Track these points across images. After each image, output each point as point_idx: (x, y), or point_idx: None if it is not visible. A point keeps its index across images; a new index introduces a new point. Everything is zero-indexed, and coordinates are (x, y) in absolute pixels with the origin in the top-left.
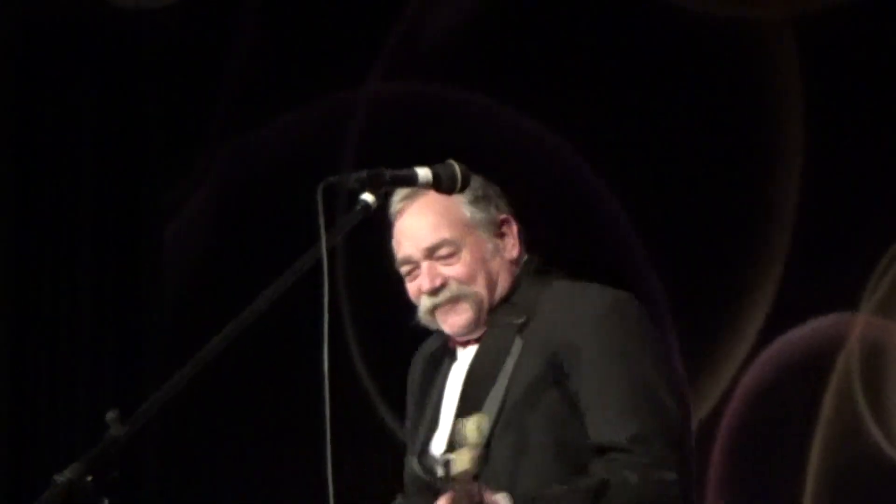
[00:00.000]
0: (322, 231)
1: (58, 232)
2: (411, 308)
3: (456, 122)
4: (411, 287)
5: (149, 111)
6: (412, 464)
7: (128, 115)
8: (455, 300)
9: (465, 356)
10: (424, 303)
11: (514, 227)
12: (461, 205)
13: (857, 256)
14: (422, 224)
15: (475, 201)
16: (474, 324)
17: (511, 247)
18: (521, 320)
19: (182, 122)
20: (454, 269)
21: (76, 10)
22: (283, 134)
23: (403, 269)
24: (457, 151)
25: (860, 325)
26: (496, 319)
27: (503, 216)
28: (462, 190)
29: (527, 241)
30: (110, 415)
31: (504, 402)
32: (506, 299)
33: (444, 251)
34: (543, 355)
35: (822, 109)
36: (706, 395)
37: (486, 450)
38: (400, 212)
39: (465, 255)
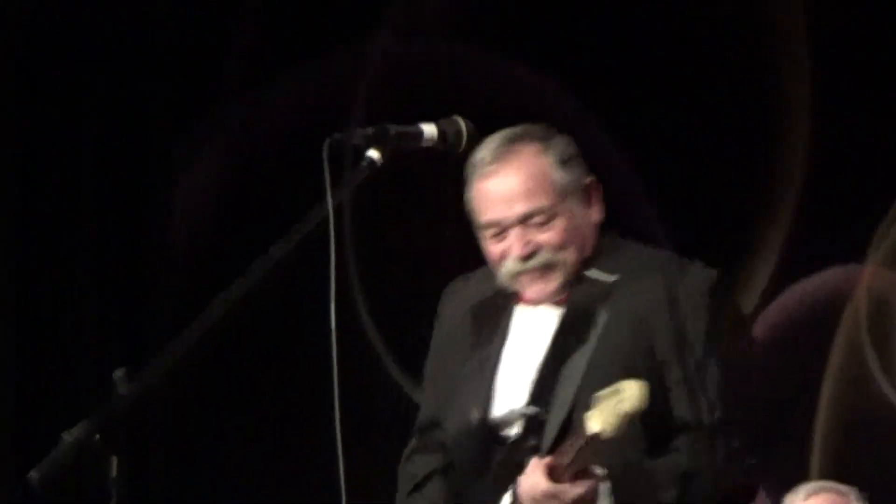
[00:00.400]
0: (328, 187)
1: (64, 192)
2: (417, 265)
3: (463, 80)
4: (493, 249)
5: (158, 66)
6: (469, 413)
7: (137, 71)
8: (546, 267)
9: (538, 316)
10: (510, 267)
11: (599, 190)
12: (552, 167)
13: (864, 209)
14: (515, 189)
15: (564, 163)
16: (562, 290)
17: (596, 211)
18: (610, 280)
19: (191, 78)
20: (548, 236)
21: None
22: (291, 91)
23: (488, 232)
24: (463, 108)
25: (867, 276)
26: (583, 278)
27: (589, 179)
28: (468, 147)
29: None
30: (117, 373)
31: (595, 360)
32: (591, 262)
33: (538, 218)
34: (636, 322)
35: (829, 64)
36: None
37: (572, 411)
38: (490, 173)
39: (559, 222)
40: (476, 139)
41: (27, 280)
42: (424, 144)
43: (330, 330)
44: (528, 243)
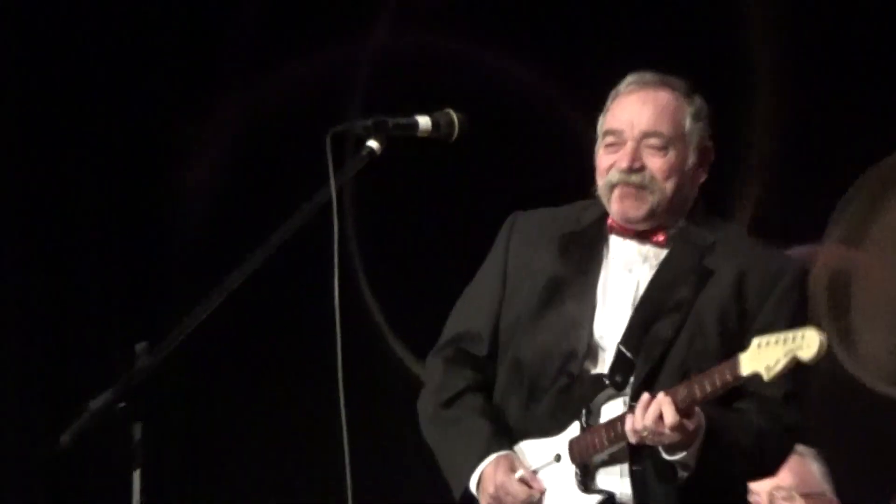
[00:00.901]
0: (331, 174)
1: (93, 183)
2: (417, 247)
3: (459, 74)
4: (604, 159)
5: (168, 59)
6: (557, 340)
7: (150, 63)
8: (643, 188)
9: (632, 251)
10: (612, 177)
11: (710, 158)
12: (686, 113)
13: (823, 192)
14: (648, 109)
15: (696, 116)
16: (647, 217)
17: (702, 172)
18: (707, 243)
19: (194, 75)
20: (657, 162)
21: None
22: (292, 82)
23: (606, 140)
24: (457, 102)
25: (826, 254)
26: (686, 233)
27: (708, 144)
28: (459, 136)
29: (515, 188)
30: (139, 346)
31: (695, 310)
32: (690, 218)
33: (655, 141)
34: (732, 285)
35: (792, 65)
36: None
37: (663, 359)
38: (631, 91)
39: (671, 156)
40: (466, 129)
41: (60, 263)
42: (420, 135)
43: (334, 307)
44: (637, 159)
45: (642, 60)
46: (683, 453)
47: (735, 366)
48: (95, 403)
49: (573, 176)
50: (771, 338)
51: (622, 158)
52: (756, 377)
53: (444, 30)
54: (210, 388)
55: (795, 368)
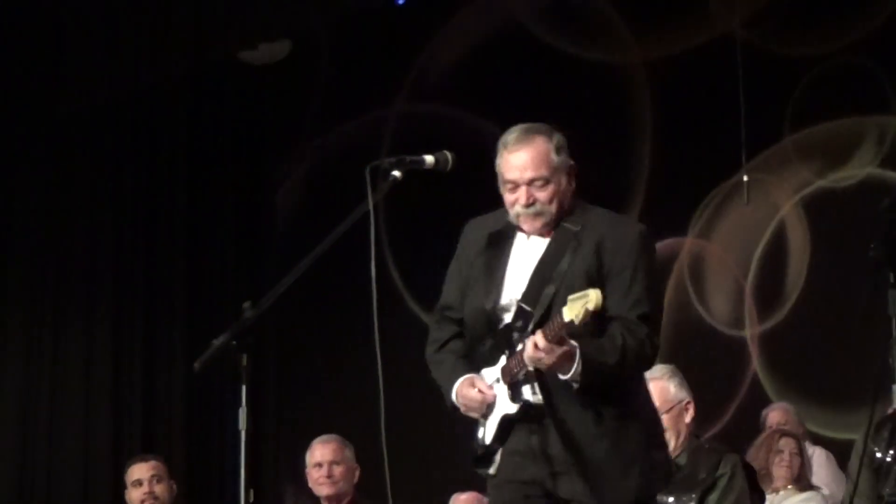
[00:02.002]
0: (369, 193)
1: (215, 194)
2: (425, 239)
3: (452, 128)
4: (509, 197)
5: (265, 125)
6: (483, 303)
7: (255, 128)
8: (538, 214)
9: (531, 243)
10: (517, 210)
11: (574, 171)
12: (552, 152)
13: (685, 203)
14: (529, 159)
15: (559, 150)
16: (542, 228)
17: (572, 184)
18: (577, 228)
19: (286, 130)
20: (542, 195)
21: (230, 66)
22: (345, 135)
23: (507, 185)
24: (451, 145)
25: (688, 244)
26: (562, 226)
27: (572, 163)
28: (452, 170)
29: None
30: (246, 304)
31: (567, 275)
32: (568, 214)
33: (538, 182)
34: (592, 252)
35: (663, 115)
36: None
37: (551, 307)
38: (515, 147)
39: (551, 187)
40: (455, 164)
41: (199, 251)
42: (426, 167)
43: (371, 278)
44: (530, 196)
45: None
46: (570, 374)
47: (561, 314)
48: (217, 341)
49: None
50: (577, 294)
51: (520, 198)
52: (582, 321)
53: (445, 100)
54: (291, 332)
55: (649, 297)
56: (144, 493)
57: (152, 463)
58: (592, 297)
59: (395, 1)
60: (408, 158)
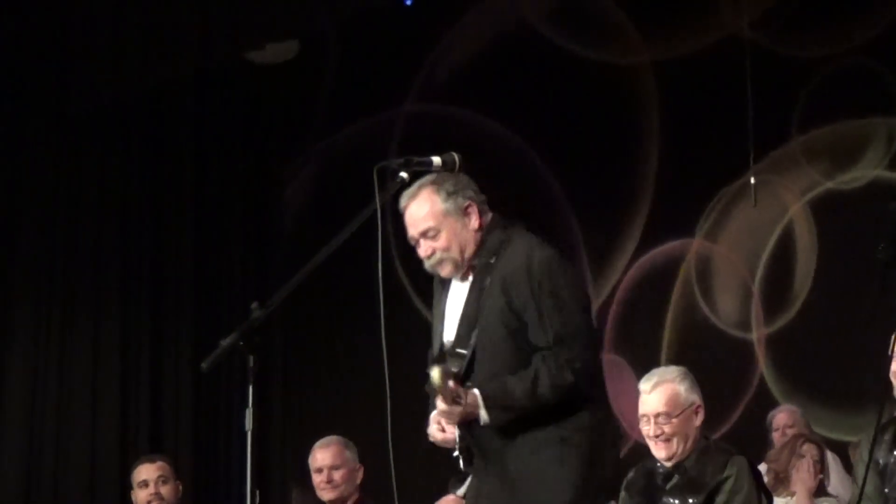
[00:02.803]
0: (377, 194)
1: (223, 194)
2: None
3: (460, 129)
4: (419, 251)
5: (273, 125)
6: (433, 348)
7: (263, 127)
8: (440, 261)
9: (456, 288)
10: (425, 263)
11: (475, 208)
12: (439, 202)
13: (693, 205)
14: (416, 217)
15: (447, 198)
16: (455, 272)
17: (473, 220)
18: (492, 260)
19: (294, 130)
20: (437, 243)
21: (237, 65)
22: (353, 136)
23: (412, 242)
24: (459, 147)
25: (695, 246)
26: (478, 262)
27: (466, 203)
28: (459, 170)
29: (495, 205)
30: (254, 304)
31: (485, 316)
32: (481, 247)
33: (430, 233)
34: (500, 291)
35: (671, 116)
36: (606, 285)
37: (475, 348)
38: (404, 208)
39: (444, 234)
40: (463, 165)
41: (200, 248)
42: (434, 169)
43: (378, 278)
44: (427, 248)
45: (585, 127)
46: (482, 420)
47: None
48: (225, 342)
49: (534, 197)
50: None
51: (421, 251)
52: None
53: (453, 101)
54: (296, 333)
55: (563, 318)
56: (151, 494)
57: (159, 464)
58: (434, 374)
59: (403, 1)
60: (415, 159)
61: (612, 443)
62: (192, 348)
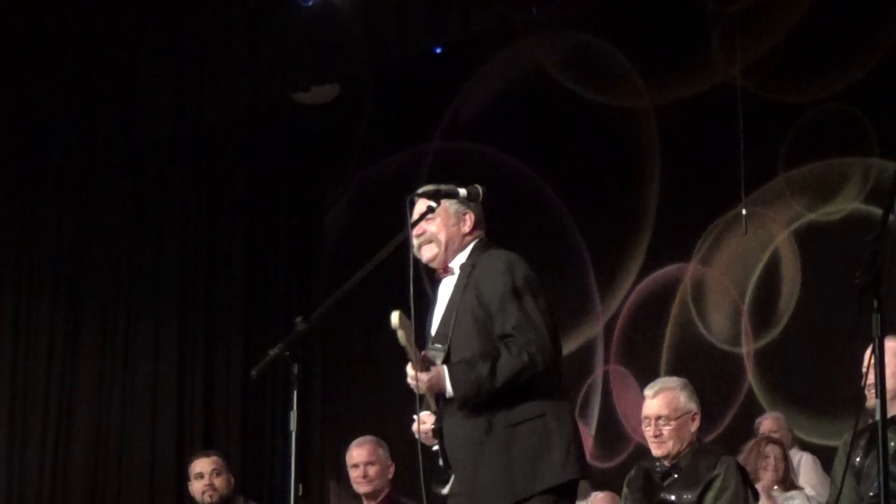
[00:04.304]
0: (408, 222)
1: (271, 220)
2: None
3: (482, 163)
4: (414, 233)
5: (316, 158)
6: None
7: (307, 160)
8: (427, 241)
9: (443, 285)
10: (415, 242)
11: (470, 217)
12: (449, 203)
13: (689, 233)
14: (418, 207)
15: (455, 203)
16: (434, 259)
17: (465, 226)
18: (468, 272)
19: (334, 163)
20: (430, 226)
21: (285, 105)
22: (386, 168)
23: (412, 228)
24: (481, 179)
25: (691, 270)
26: (460, 269)
27: (464, 211)
28: (483, 201)
29: (489, 230)
30: (298, 319)
31: (460, 312)
32: (462, 252)
33: (429, 215)
34: (473, 290)
35: (670, 154)
36: (612, 304)
37: (451, 340)
38: (415, 202)
39: (438, 221)
40: (486, 195)
41: (250, 268)
42: (460, 199)
43: (409, 296)
44: (420, 228)
45: (594, 162)
46: (448, 392)
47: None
48: (272, 351)
49: (548, 224)
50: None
51: (415, 232)
52: (406, 341)
53: (477, 138)
54: (335, 344)
55: (520, 310)
56: (205, 485)
57: (213, 458)
58: (392, 317)
59: (433, 50)
60: (443, 189)
61: (565, 434)
62: (242, 357)
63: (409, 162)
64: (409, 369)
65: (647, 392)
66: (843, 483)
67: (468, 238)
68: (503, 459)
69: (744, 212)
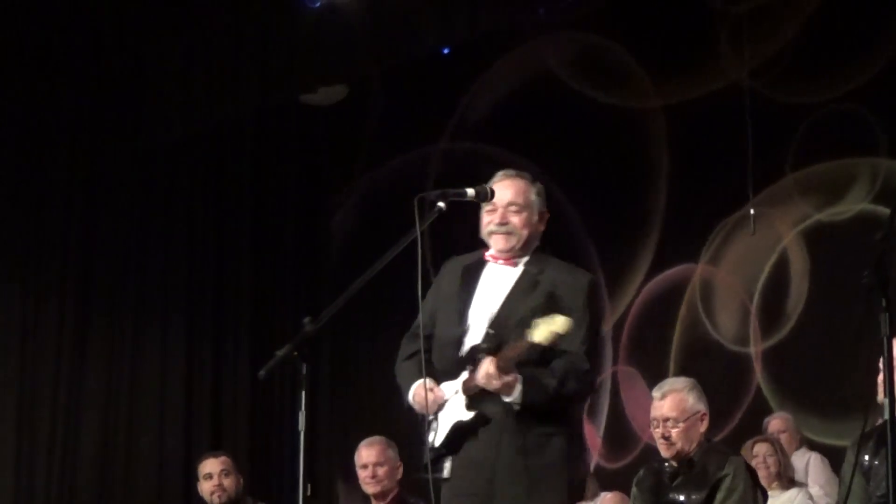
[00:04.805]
0: (417, 223)
1: (278, 222)
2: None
3: (490, 164)
4: (486, 217)
5: (324, 160)
6: (450, 331)
7: (314, 162)
8: (508, 232)
9: (498, 271)
10: (491, 227)
11: (546, 217)
12: (531, 192)
13: (697, 233)
14: (510, 190)
15: (538, 194)
16: (511, 250)
17: (541, 226)
18: (536, 271)
19: (341, 164)
20: (515, 219)
21: (292, 107)
22: (394, 168)
23: (488, 208)
24: (489, 180)
25: (700, 269)
26: (528, 266)
27: (543, 210)
28: (490, 200)
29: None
30: (305, 319)
31: (526, 311)
32: (532, 255)
33: (514, 208)
34: (546, 294)
35: (679, 155)
36: (620, 304)
37: (509, 337)
38: (501, 182)
39: (524, 215)
40: (493, 197)
41: (257, 269)
42: (468, 199)
43: (417, 296)
44: (504, 216)
45: (602, 163)
46: (511, 397)
47: (525, 337)
48: (280, 352)
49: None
50: (543, 319)
51: (496, 218)
52: (552, 342)
53: (484, 139)
54: (343, 344)
55: (591, 337)
56: (214, 486)
57: (222, 458)
58: (559, 321)
59: (440, 50)
60: (451, 191)
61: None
62: (250, 358)
63: (417, 162)
64: (490, 366)
65: (656, 393)
66: (851, 482)
67: (538, 235)
68: (531, 466)
69: (752, 212)
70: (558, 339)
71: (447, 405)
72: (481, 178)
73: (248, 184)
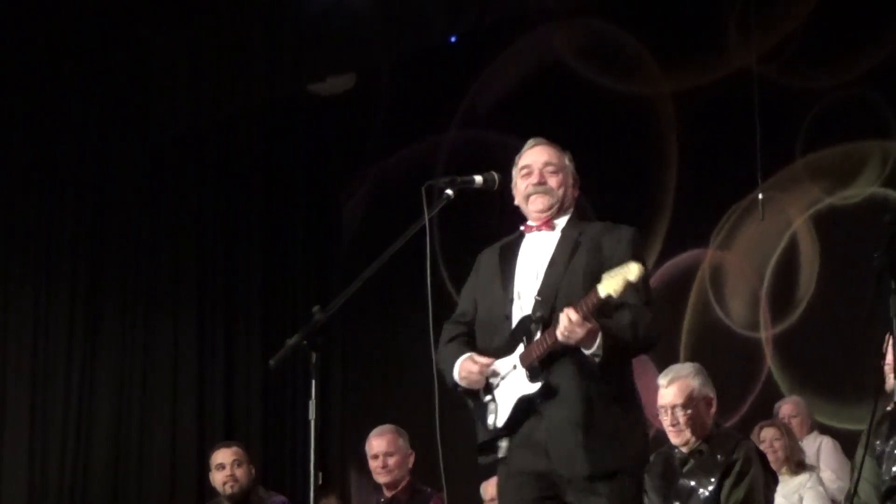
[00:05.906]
0: (425, 209)
1: (288, 211)
2: (469, 250)
3: (499, 152)
4: (521, 181)
5: (332, 150)
6: (496, 309)
7: (324, 152)
8: (546, 193)
9: (537, 239)
10: (528, 189)
11: (578, 184)
12: (565, 157)
13: (707, 218)
14: (545, 152)
15: (569, 161)
16: (549, 209)
17: (575, 191)
18: (576, 233)
19: (351, 154)
20: (553, 179)
21: (301, 96)
22: (403, 158)
23: (523, 171)
24: (498, 168)
25: (710, 255)
26: (567, 229)
27: (575, 175)
28: (499, 189)
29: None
30: (315, 308)
31: (573, 273)
32: (570, 219)
33: (551, 168)
34: (592, 252)
35: (688, 141)
36: None
37: (562, 300)
38: (535, 146)
39: (560, 175)
40: (502, 184)
41: (268, 259)
42: (476, 187)
43: (426, 284)
44: (542, 176)
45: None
46: (593, 349)
47: (596, 291)
48: (290, 341)
49: None
50: (613, 270)
51: (534, 177)
52: (620, 295)
53: (493, 127)
54: (354, 333)
55: (646, 288)
56: (227, 476)
57: (234, 448)
58: (633, 268)
59: (448, 39)
60: (459, 178)
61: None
62: (261, 347)
63: (426, 152)
64: (573, 313)
65: (661, 381)
66: (861, 466)
67: (573, 199)
68: (605, 428)
69: (761, 197)
70: (630, 288)
71: (503, 383)
72: (491, 166)
73: (257, 175)
